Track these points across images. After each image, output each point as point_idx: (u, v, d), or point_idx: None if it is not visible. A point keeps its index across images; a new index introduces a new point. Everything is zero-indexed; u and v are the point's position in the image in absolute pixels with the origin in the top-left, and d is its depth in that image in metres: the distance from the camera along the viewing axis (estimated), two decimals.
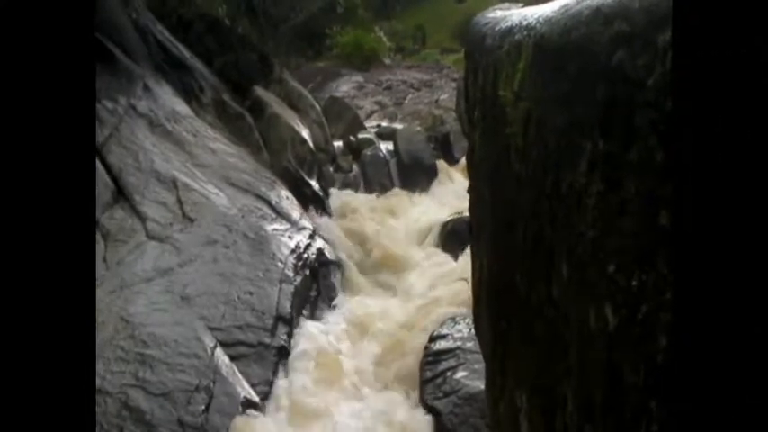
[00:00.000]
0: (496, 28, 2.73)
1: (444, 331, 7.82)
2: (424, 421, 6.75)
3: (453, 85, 20.16)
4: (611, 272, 1.55)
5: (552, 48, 1.99)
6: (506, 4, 3.34)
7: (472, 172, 3.55)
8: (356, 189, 14.05)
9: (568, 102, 1.82)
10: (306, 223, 10.38)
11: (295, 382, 7.40)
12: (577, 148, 1.74)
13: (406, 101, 23.07)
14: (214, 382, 6.68)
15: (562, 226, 1.86)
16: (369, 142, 15.62)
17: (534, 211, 2.08)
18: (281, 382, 7.33)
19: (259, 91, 13.55)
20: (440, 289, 9.21)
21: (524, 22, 2.30)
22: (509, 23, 2.54)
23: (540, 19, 2.13)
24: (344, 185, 13.98)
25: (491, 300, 3.01)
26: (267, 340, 7.62)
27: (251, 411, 6.69)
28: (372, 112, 21.66)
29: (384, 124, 18.63)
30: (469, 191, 3.61)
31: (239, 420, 6.49)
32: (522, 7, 2.75)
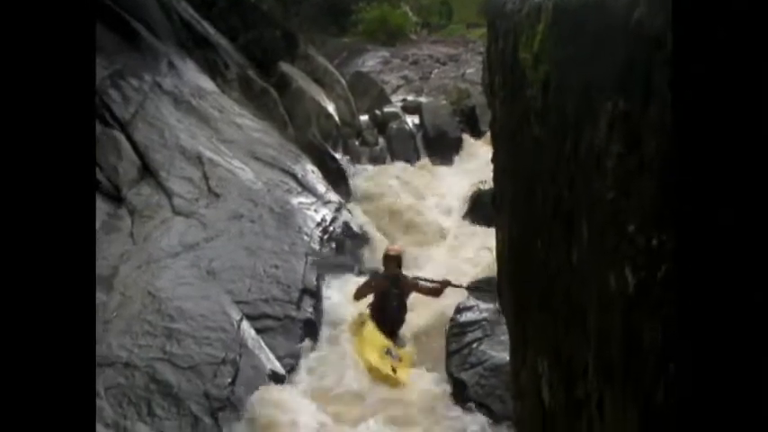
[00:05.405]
0: None
1: (470, 303, 7.80)
2: (448, 393, 6.75)
3: (479, 59, 19.99)
4: (631, 233, 1.52)
5: (571, 8, 1.95)
6: None
7: (494, 141, 3.52)
8: (382, 162, 14.04)
9: (588, 62, 1.79)
10: (331, 197, 10.41)
11: (320, 354, 7.44)
12: (597, 109, 1.70)
13: (432, 75, 22.97)
14: (240, 356, 6.74)
15: (581, 188, 1.83)
16: (394, 116, 15.57)
17: (553, 174, 2.05)
18: (306, 355, 7.38)
19: (284, 66, 13.54)
20: (465, 260, 9.19)
21: None
22: None
23: None
24: (370, 159, 13.97)
25: (513, 268, 2.98)
26: (293, 313, 7.68)
27: (275, 383, 6.75)
28: (398, 87, 21.60)
29: (410, 98, 18.55)
30: (493, 160, 3.58)
31: (263, 391, 6.54)
32: None
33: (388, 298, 8.13)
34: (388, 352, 7.38)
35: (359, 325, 7.77)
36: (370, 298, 8.23)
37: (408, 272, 8.69)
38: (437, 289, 8.34)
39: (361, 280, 8.78)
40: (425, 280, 8.54)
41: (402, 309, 8.23)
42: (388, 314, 8.02)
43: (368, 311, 7.99)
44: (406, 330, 8.16)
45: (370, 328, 7.66)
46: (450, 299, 8.09)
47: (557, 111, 2.04)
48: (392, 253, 8.52)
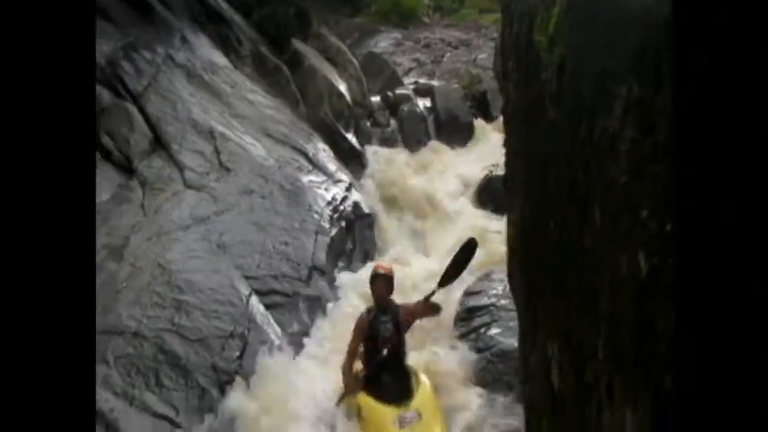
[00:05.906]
0: None
1: (479, 287, 7.79)
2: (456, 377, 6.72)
3: (491, 44, 19.96)
4: (644, 217, 1.53)
5: None
6: None
7: (507, 124, 3.52)
8: (393, 144, 14.01)
9: (603, 47, 1.79)
10: (342, 176, 10.42)
11: (328, 332, 7.47)
12: (612, 94, 1.71)
13: (444, 59, 22.92)
14: (248, 330, 6.78)
15: (595, 172, 1.84)
16: (406, 98, 15.52)
17: (568, 158, 2.06)
18: (314, 332, 7.41)
19: (297, 44, 13.52)
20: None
21: None
22: None
23: None
24: (382, 140, 13.95)
25: (525, 251, 2.99)
26: (302, 290, 7.73)
27: (282, 359, 6.78)
28: (410, 69, 21.57)
29: (422, 81, 18.50)
30: (505, 144, 3.58)
31: (270, 366, 6.58)
32: None
33: (377, 332, 6.36)
34: (401, 422, 5.74)
35: (355, 407, 6.16)
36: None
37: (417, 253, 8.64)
38: (429, 307, 6.55)
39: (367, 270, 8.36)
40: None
41: (400, 342, 6.44)
42: (382, 356, 6.34)
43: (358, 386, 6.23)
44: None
45: (366, 403, 6.06)
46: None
47: (572, 94, 2.04)
48: (382, 271, 6.73)
